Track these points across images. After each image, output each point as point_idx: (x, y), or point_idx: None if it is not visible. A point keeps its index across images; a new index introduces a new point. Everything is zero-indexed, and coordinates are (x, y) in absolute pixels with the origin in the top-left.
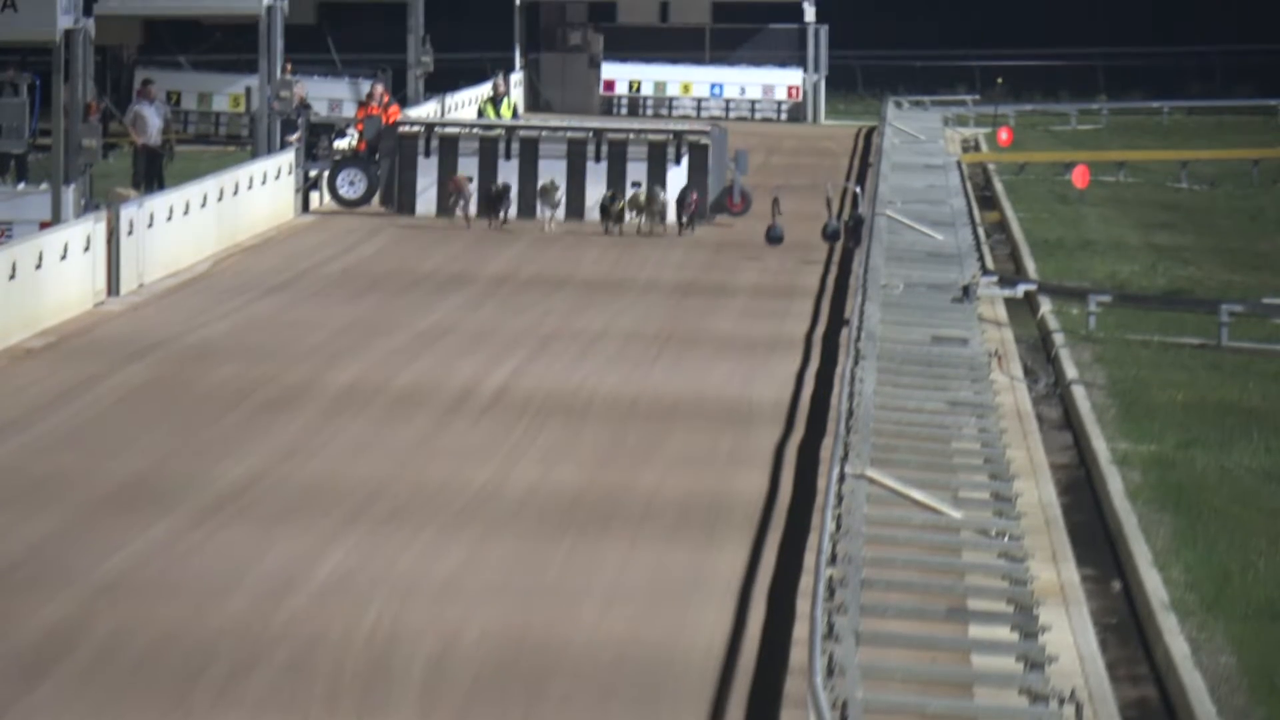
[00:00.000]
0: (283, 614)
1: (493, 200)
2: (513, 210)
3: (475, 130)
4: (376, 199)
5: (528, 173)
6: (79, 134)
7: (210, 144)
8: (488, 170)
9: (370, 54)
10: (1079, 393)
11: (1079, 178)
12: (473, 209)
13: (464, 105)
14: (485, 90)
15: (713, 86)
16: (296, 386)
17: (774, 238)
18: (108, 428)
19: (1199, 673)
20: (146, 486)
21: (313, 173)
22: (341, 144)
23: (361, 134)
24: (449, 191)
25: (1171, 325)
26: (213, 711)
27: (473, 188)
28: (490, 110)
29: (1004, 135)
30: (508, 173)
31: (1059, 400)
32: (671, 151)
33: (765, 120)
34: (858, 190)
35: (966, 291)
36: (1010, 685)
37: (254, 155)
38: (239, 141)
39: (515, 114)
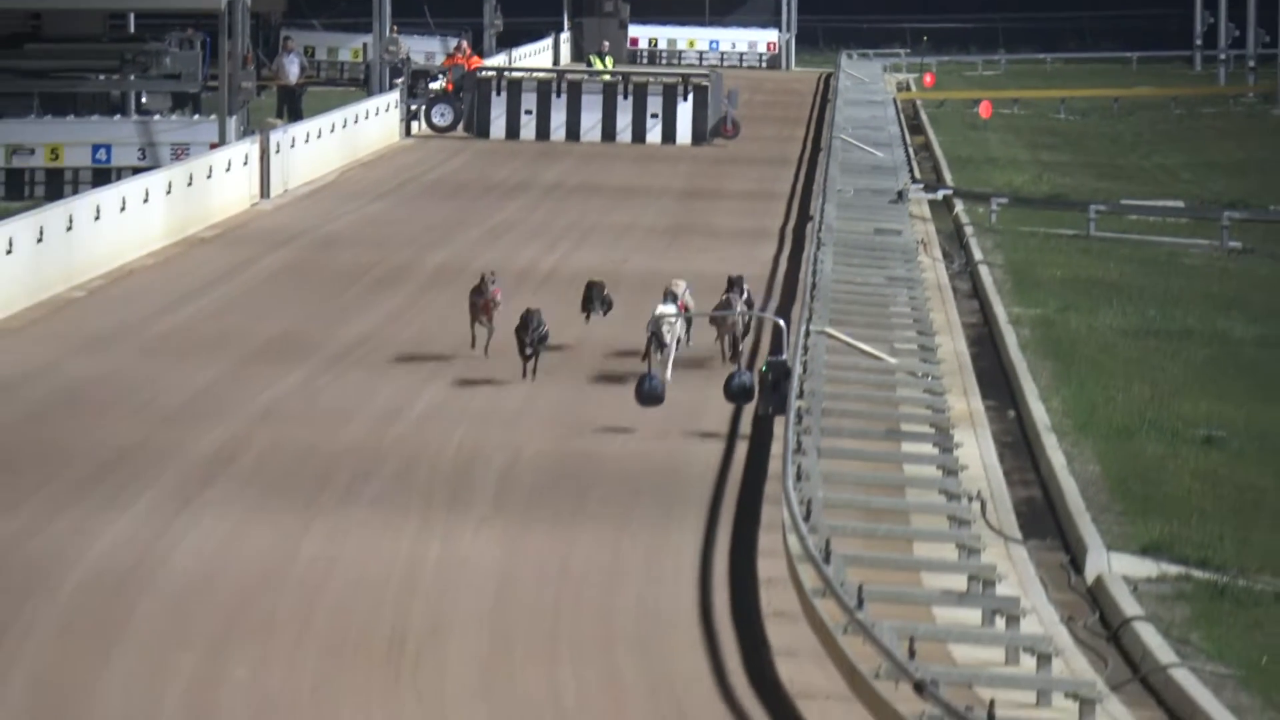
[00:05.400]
0: (390, 436)
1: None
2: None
3: (534, 75)
4: (460, 127)
5: (574, 107)
6: (239, 78)
7: (336, 86)
8: (543, 105)
9: (456, 17)
10: (984, 270)
11: (984, 110)
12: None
13: (527, 57)
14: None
15: (711, 42)
16: (400, 267)
17: (648, 394)
18: (259, 298)
19: (1073, 478)
20: (288, 342)
21: (413, 107)
22: (434, 85)
23: (450, 78)
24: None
25: (1052, 220)
26: (339, 507)
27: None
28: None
29: (928, 79)
30: (558, 108)
31: (969, 276)
32: (680, 91)
33: (750, 68)
34: (781, 323)
35: (900, 195)
36: (933, 487)
37: (369, 94)
38: (358, 84)
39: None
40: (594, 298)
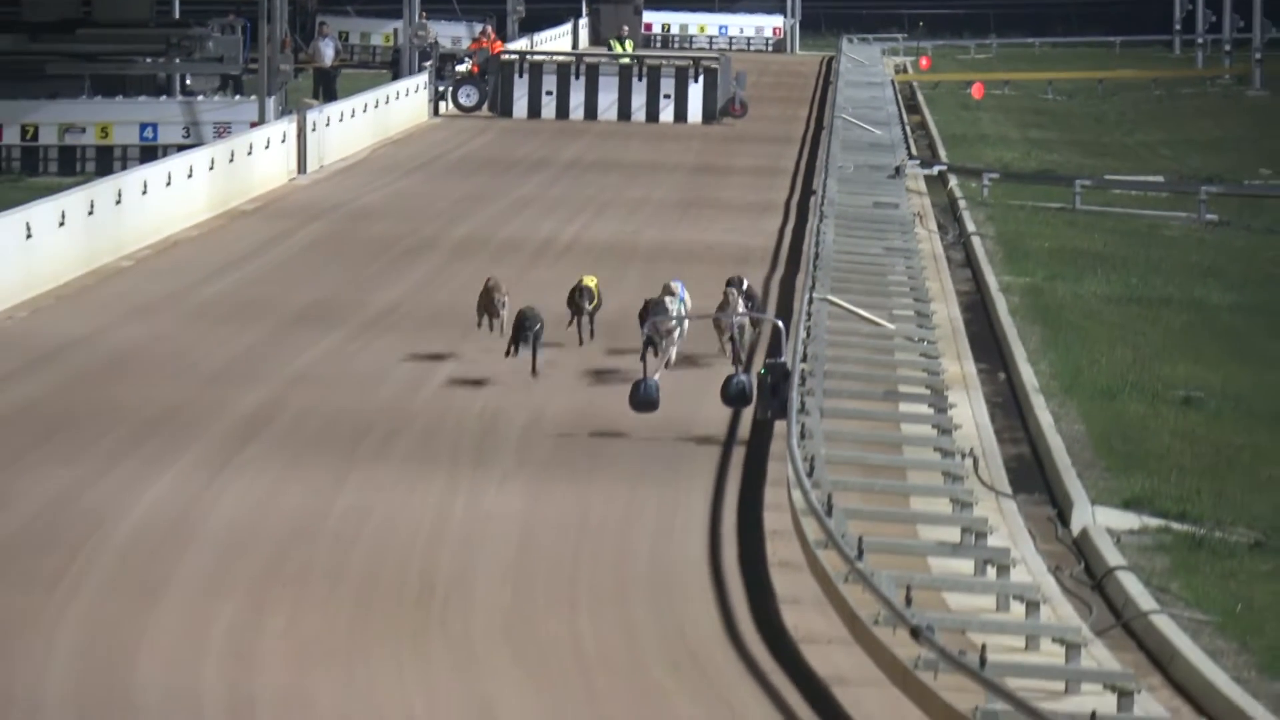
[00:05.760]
0: (420, 398)
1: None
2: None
3: (554, 58)
4: (485, 107)
5: (591, 88)
6: (277, 61)
7: (368, 68)
8: (563, 86)
9: (480, 4)
10: (976, 241)
11: (977, 91)
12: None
13: (547, 41)
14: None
15: (720, 27)
16: (428, 239)
17: (643, 399)
18: (296, 267)
19: (1059, 437)
20: (323, 309)
21: (441, 88)
22: (461, 68)
23: (475, 61)
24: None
25: (1040, 194)
26: (372, 463)
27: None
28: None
29: (924, 62)
30: (577, 89)
31: (962, 247)
32: (691, 73)
33: (758, 51)
34: (779, 324)
35: (898, 171)
36: (928, 444)
37: (398, 76)
38: (389, 66)
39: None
40: (580, 305)
